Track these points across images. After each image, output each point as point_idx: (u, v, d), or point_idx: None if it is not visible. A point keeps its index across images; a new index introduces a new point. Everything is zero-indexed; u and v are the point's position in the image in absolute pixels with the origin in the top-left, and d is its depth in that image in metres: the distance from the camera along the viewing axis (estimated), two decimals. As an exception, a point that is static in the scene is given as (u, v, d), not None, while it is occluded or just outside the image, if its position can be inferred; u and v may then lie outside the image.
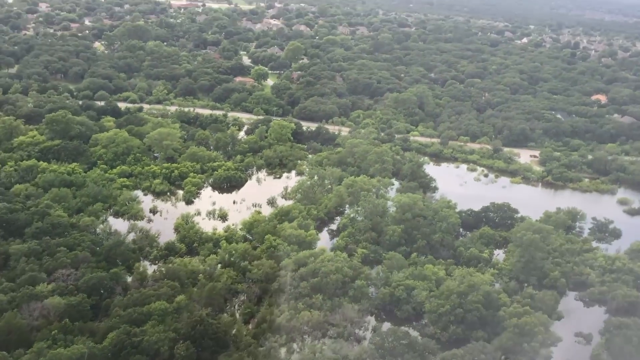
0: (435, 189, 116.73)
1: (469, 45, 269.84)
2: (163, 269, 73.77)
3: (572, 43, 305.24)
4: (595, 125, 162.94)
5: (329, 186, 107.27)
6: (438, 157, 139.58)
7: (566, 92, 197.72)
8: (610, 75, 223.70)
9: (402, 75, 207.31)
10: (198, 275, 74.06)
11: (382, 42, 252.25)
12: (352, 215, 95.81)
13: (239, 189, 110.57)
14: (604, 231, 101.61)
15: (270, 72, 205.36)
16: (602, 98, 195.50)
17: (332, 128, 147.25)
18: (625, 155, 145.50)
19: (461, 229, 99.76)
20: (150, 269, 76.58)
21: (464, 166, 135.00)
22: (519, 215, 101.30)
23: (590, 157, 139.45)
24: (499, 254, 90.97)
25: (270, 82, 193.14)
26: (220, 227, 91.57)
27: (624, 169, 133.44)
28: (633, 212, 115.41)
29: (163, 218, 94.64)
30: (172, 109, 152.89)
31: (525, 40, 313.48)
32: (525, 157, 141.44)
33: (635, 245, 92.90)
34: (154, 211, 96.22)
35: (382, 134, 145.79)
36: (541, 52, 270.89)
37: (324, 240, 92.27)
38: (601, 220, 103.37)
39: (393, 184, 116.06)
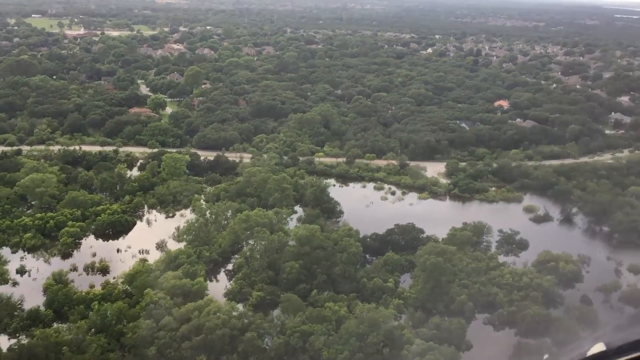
0: (340, 213, 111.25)
1: (375, 59, 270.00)
2: (16, 346, 63.22)
3: (475, 50, 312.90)
4: (499, 132, 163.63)
5: (225, 222, 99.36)
6: (344, 178, 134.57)
7: (470, 100, 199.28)
8: (511, 80, 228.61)
9: (309, 93, 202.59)
10: (62, 348, 64.08)
11: (288, 61, 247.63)
12: (247, 254, 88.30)
13: (126, 234, 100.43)
14: (511, 243, 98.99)
15: (169, 100, 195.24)
16: (505, 104, 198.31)
17: (233, 156, 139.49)
18: (528, 161, 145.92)
19: (367, 255, 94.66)
20: (10, 344, 65.98)
21: (371, 185, 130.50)
22: (424, 235, 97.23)
23: (495, 165, 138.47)
24: (405, 281, 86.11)
25: (169, 110, 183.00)
26: (99, 282, 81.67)
27: (528, 175, 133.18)
28: (539, 220, 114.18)
29: (32, 279, 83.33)
30: (56, 148, 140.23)
31: (430, 50, 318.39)
32: (432, 170, 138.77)
33: (542, 256, 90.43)
34: (21, 272, 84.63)
35: (286, 157, 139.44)
36: (445, 61, 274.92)
37: (220, 285, 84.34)
38: (507, 232, 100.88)
39: (295, 212, 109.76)
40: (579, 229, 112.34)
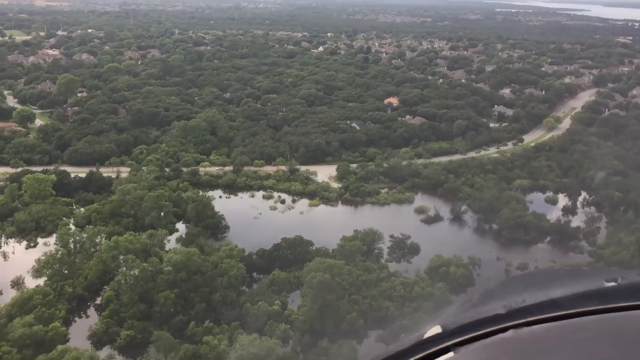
0: (225, 228, 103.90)
1: (265, 59, 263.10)
2: None
3: (365, 47, 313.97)
4: (389, 130, 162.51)
5: (94, 250, 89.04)
6: (232, 188, 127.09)
7: (360, 99, 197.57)
8: (400, 77, 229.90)
9: (195, 98, 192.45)
10: None
11: (173, 64, 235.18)
12: (116, 287, 78.94)
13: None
14: (403, 248, 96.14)
15: (39, 111, 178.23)
16: (394, 101, 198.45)
17: (109, 171, 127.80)
18: (418, 159, 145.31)
19: (254, 274, 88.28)
20: None
21: (260, 194, 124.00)
22: (314, 247, 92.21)
23: (385, 165, 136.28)
24: (294, 300, 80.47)
25: (40, 123, 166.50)
26: None
27: (418, 174, 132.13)
28: (430, 221, 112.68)
29: None
30: None
31: (321, 49, 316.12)
32: (323, 174, 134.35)
33: (434, 261, 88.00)
34: None
35: (168, 170, 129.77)
36: (336, 59, 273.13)
37: (86, 326, 74.47)
38: (399, 237, 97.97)
39: (176, 231, 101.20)
40: (469, 227, 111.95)
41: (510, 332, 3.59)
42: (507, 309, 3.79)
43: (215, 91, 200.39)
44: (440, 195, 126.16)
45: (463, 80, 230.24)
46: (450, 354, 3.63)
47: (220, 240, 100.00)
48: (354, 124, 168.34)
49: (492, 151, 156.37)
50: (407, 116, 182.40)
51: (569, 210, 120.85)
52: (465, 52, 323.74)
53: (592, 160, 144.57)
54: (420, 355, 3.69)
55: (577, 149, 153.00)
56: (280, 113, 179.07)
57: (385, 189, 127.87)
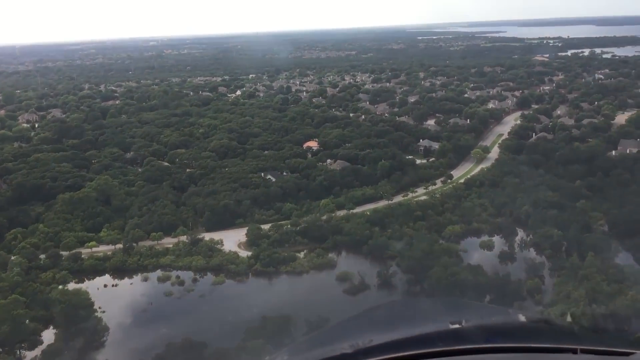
0: (104, 331, 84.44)
1: (176, 109, 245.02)
2: None
3: (285, 87, 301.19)
4: (307, 179, 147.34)
5: None
6: (122, 271, 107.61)
7: (277, 145, 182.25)
8: (320, 117, 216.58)
9: (93, 162, 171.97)
10: None
11: (71, 125, 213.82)
12: None
13: None
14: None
15: None
16: (314, 144, 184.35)
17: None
18: (340, 210, 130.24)
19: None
20: None
21: (155, 276, 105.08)
22: (208, 348, 74.29)
23: (302, 223, 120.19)
24: None
25: None
26: None
27: (340, 230, 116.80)
28: (353, 290, 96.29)
29: None
30: None
31: (238, 92, 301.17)
32: (232, 240, 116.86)
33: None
34: None
35: (43, 257, 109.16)
36: (252, 103, 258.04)
37: None
38: (314, 320, 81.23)
39: (40, 344, 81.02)
40: (399, 292, 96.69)
41: None
42: (353, 348, 3.85)
43: (116, 152, 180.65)
44: (365, 254, 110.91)
45: (386, 115, 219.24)
46: None
47: (97, 350, 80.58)
48: (269, 176, 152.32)
49: (420, 192, 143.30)
50: (328, 160, 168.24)
51: (507, 257, 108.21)
52: (387, 83, 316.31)
53: (525, 193, 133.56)
54: None
55: (509, 182, 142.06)
56: (187, 170, 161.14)
57: (304, 252, 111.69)
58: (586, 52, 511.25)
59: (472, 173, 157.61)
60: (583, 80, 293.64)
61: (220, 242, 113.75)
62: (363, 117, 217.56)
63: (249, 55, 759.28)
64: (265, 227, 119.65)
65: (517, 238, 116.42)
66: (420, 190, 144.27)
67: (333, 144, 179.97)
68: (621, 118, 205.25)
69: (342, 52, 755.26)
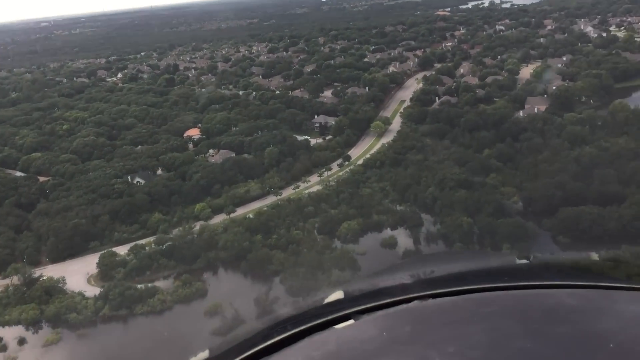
0: None
1: (40, 102, 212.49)
2: None
3: (172, 66, 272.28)
4: (182, 179, 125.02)
5: None
6: None
7: (153, 138, 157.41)
8: (206, 98, 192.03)
9: None
10: None
11: None
12: None
13: None
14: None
15: None
16: (196, 132, 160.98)
17: None
18: (218, 215, 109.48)
19: None
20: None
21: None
22: None
23: (168, 241, 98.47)
24: None
25: None
26: None
27: (213, 245, 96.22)
28: (224, 330, 76.10)
29: None
30: None
31: (119, 76, 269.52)
32: (80, 274, 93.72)
33: None
34: None
35: None
36: (131, 88, 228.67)
37: None
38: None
39: None
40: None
41: (415, 303, 3.58)
42: (413, 279, 3.77)
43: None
44: (245, 271, 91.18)
45: (277, 91, 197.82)
46: (350, 321, 3.57)
47: None
48: (137, 179, 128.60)
49: (314, 181, 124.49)
50: (210, 151, 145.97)
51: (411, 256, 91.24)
52: (285, 53, 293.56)
53: (430, 171, 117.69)
54: (320, 320, 3.61)
55: (411, 159, 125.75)
56: (40, 180, 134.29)
57: (172, 278, 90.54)
58: (486, 2, 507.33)
59: (372, 150, 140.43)
60: (485, 33, 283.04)
61: (62, 280, 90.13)
62: (254, 94, 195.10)
63: (145, 30, 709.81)
64: (122, 253, 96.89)
65: (424, 229, 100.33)
66: (314, 179, 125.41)
67: (217, 130, 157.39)
68: (526, 72, 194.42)
69: (244, 20, 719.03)
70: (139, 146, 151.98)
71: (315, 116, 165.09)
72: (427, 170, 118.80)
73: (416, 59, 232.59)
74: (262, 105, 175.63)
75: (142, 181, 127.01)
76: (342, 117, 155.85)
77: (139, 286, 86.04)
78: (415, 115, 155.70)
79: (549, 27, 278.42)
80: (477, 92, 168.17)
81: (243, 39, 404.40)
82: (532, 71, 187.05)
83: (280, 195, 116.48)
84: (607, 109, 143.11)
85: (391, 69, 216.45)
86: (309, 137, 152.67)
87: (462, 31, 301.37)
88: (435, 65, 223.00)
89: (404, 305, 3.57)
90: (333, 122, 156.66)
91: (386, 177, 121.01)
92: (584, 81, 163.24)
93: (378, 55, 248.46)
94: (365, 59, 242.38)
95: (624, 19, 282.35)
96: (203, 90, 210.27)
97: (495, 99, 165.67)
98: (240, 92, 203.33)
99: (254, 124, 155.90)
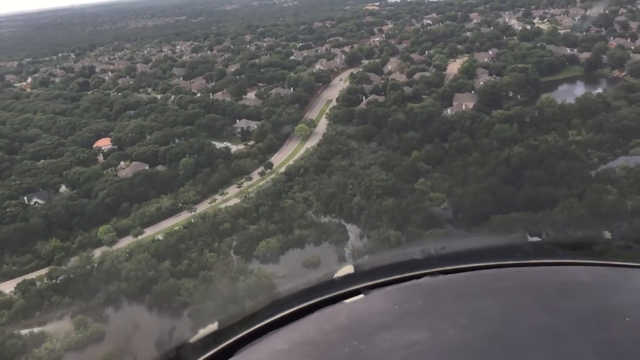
0: None
1: None
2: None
3: (88, 68, 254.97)
4: (86, 198, 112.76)
5: None
6: None
7: (57, 151, 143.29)
8: (120, 104, 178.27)
9: None
10: None
11: None
12: None
13: None
14: None
15: None
16: (106, 143, 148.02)
17: None
18: (124, 237, 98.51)
19: None
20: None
21: None
22: None
23: (61, 275, 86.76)
24: None
25: None
26: None
27: (117, 274, 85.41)
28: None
29: None
30: None
31: (29, 80, 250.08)
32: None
33: None
34: None
35: None
36: (39, 94, 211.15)
37: None
38: None
39: None
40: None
41: (426, 278, 3.55)
42: (425, 254, 3.78)
43: None
44: (150, 305, 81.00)
45: (198, 94, 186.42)
46: (360, 296, 3.54)
47: None
48: (35, 200, 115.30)
49: (232, 193, 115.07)
50: (121, 164, 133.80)
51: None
52: (209, 52, 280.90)
53: (356, 178, 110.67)
54: (330, 295, 3.57)
55: (337, 165, 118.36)
56: None
57: (66, 317, 79.29)
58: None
59: (296, 156, 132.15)
60: (412, 27, 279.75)
61: None
62: (173, 97, 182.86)
63: (67, 30, 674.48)
64: (7, 292, 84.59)
65: (350, 244, 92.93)
66: (233, 191, 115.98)
67: (129, 139, 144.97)
68: (453, 67, 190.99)
69: (172, 18, 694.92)
70: (41, 160, 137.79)
71: (237, 120, 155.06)
72: (353, 177, 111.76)
73: (344, 56, 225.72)
74: (180, 111, 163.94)
75: (41, 201, 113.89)
76: (264, 121, 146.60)
77: (24, 332, 74.27)
78: (341, 116, 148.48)
79: (475, 21, 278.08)
80: (405, 90, 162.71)
81: (168, 38, 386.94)
82: (459, 66, 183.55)
83: (194, 211, 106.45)
84: (535, 105, 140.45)
85: (318, 67, 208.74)
86: (229, 144, 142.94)
87: (390, 26, 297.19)
88: (363, 61, 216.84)
89: (415, 281, 3.53)
90: (255, 127, 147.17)
91: (310, 185, 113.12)
92: (511, 76, 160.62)
93: (305, 53, 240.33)
94: (292, 57, 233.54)
95: (547, 10, 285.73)
96: (119, 94, 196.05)
97: (423, 96, 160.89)
98: (159, 96, 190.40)
99: (170, 132, 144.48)
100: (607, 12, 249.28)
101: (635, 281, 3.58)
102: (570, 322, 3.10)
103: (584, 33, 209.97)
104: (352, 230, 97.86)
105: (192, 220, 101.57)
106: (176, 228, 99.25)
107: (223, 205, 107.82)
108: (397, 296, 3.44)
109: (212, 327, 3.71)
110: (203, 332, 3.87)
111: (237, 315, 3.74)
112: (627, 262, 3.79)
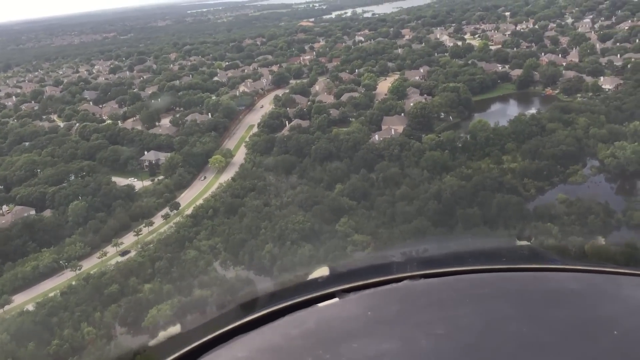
0: None
1: None
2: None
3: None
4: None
5: None
6: None
7: None
8: (16, 135, 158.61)
9: None
10: None
11: None
12: None
13: None
14: None
15: None
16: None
17: None
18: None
19: None
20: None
21: None
22: None
23: None
24: None
25: None
26: None
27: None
28: None
29: None
30: None
31: None
32: None
33: None
34: None
35: None
36: None
37: None
38: None
39: None
40: None
41: (405, 282, 3.42)
42: (406, 257, 3.62)
43: None
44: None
45: (108, 121, 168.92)
46: (335, 300, 3.40)
47: None
48: None
49: (128, 243, 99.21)
50: (4, 208, 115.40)
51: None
52: (128, 72, 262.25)
53: (270, 220, 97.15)
54: (303, 298, 3.45)
55: (250, 204, 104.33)
56: None
57: None
58: (349, 12, 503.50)
59: (209, 192, 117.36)
60: (344, 44, 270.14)
61: None
62: (77, 125, 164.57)
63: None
64: None
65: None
66: (129, 239, 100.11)
67: (17, 178, 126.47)
68: (384, 86, 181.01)
69: (100, 35, 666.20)
70: None
71: (145, 152, 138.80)
72: (268, 219, 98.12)
73: (270, 76, 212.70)
74: (81, 142, 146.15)
75: None
76: (174, 153, 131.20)
77: None
78: (261, 145, 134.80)
79: (407, 37, 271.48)
80: (332, 113, 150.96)
81: (89, 57, 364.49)
82: (390, 85, 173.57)
83: (79, 269, 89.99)
84: (468, 128, 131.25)
85: (242, 88, 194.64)
86: (135, 180, 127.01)
87: (322, 43, 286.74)
88: (291, 82, 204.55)
89: (393, 285, 3.37)
90: (164, 159, 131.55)
91: (219, 230, 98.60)
92: (442, 96, 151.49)
93: (230, 73, 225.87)
94: (216, 78, 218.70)
95: (478, 26, 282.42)
96: (17, 122, 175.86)
97: (351, 119, 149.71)
98: (62, 124, 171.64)
99: (65, 168, 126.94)
100: (537, 27, 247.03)
101: (627, 289, 3.32)
102: (553, 333, 2.90)
103: (515, 49, 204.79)
104: (263, 285, 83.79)
105: (74, 283, 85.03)
106: (52, 294, 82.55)
107: (114, 260, 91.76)
108: (372, 301, 3.27)
109: (175, 329, 3.55)
110: (164, 334, 3.67)
111: (202, 317, 3.49)
112: (620, 268, 3.50)
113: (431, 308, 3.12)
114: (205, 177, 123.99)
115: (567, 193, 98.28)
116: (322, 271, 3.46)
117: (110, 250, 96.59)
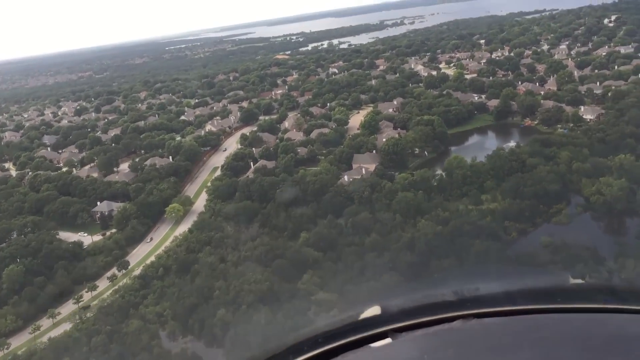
0: None
1: None
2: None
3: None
4: None
5: None
6: None
7: None
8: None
9: None
10: None
11: None
12: None
13: None
14: None
15: None
16: None
17: None
18: None
19: None
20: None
21: None
22: None
23: None
24: None
25: None
26: None
27: None
28: None
29: None
30: None
31: None
32: None
33: None
34: None
35: None
36: None
37: None
38: None
39: None
40: None
41: (458, 322, 3.34)
42: (457, 296, 3.52)
43: None
44: None
45: (64, 168, 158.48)
46: (388, 340, 3.34)
47: None
48: None
49: (67, 313, 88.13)
50: None
51: None
52: (94, 114, 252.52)
53: (226, 280, 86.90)
54: (354, 337, 3.38)
55: (204, 261, 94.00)
56: None
57: None
58: (325, 44, 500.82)
59: (163, 247, 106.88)
60: (317, 77, 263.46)
61: None
62: (30, 175, 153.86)
63: None
64: None
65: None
66: (69, 309, 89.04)
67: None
68: (356, 119, 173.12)
69: (76, 74, 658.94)
70: None
71: (98, 203, 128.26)
72: (223, 278, 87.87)
73: (239, 113, 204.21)
74: (30, 194, 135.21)
75: None
76: (127, 204, 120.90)
77: None
78: (223, 190, 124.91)
79: (381, 68, 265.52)
80: (300, 152, 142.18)
81: (59, 97, 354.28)
82: (362, 120, 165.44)
83: (7, 349, 78.64)
84: (444, 164, 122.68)
85: (208, 127, 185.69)
86: (85, 234, 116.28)
87: (295, 76, 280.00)
88: (261, 118, 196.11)
89: (446, 325, 3.28)
90: (115, 210, 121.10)
91: (169, 292, 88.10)
92: (416, 130, 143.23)
93: (198, 111, 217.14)
94: (183, 117, 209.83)
95: (453, 55, 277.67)
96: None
97: (320, 157, 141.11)
98: (14, 173, 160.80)
99: (7, 225, 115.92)
100: (512, 54, 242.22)
101: None
102: None
103: (491, 78, 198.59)
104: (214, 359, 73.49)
105: (-5, 365, 73.85)
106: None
107: (47, 336, 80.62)
108: (426, 342, 3.19)
109: None
110: None
111: (254, 358, 3.47)
112: None
113: (488, 351, 2.94)
114: (152, 239, 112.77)
115: (552, 235, 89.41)
116: (374, 310, 3.31)
117: (46, 323, 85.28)
